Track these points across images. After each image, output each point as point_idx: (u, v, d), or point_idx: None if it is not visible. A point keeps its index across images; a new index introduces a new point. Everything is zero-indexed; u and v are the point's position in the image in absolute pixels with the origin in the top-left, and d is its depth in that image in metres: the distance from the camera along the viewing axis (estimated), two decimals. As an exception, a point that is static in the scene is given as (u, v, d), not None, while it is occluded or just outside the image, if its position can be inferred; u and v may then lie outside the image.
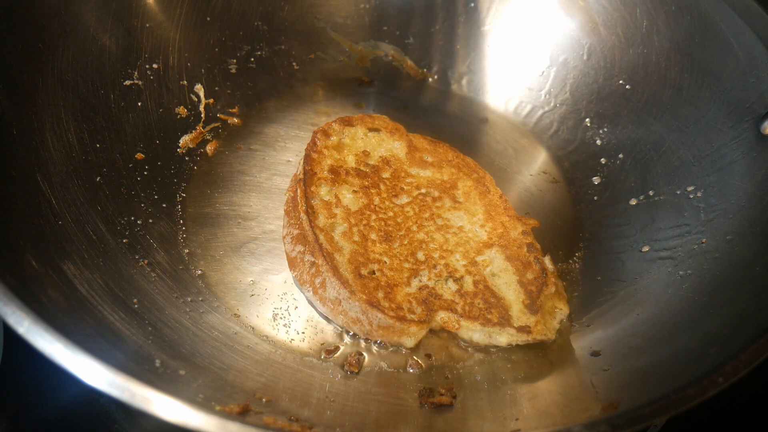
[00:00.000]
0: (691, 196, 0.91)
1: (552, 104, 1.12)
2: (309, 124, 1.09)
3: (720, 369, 0.61)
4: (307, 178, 0.93)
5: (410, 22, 1.18)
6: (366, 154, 0.99)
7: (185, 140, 1.01)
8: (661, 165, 0.97)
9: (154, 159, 0.97)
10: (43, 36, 0.87)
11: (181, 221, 0.93)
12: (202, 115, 1.05)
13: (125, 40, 0.98)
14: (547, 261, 0.90)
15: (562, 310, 0.86)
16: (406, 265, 0.87)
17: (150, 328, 0.75)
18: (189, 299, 0.84)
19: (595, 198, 1.02)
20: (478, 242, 0.91)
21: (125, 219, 0.88)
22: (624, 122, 1.04)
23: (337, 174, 0.95)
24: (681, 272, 0.85)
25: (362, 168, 0.97)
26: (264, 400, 0.71)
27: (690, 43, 0.99)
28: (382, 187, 0.95)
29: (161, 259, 0.87)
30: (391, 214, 0.93)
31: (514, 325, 0.82)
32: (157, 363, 0.68)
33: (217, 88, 1.08)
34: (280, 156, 1.04)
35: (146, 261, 0.85)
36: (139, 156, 0.95)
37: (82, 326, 0.67)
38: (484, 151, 1.08)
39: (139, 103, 0.99)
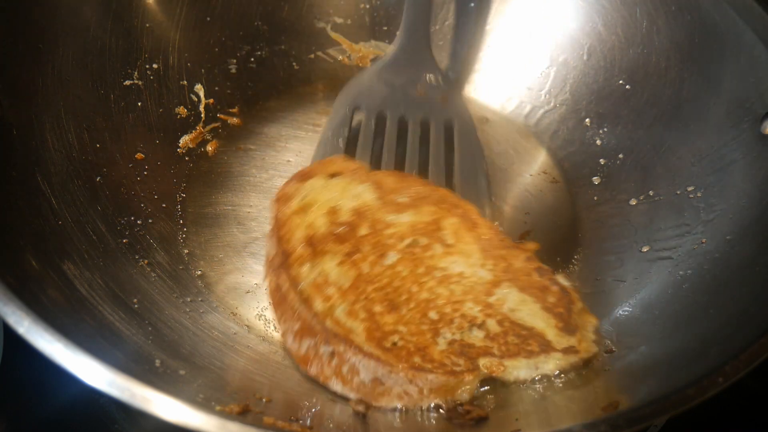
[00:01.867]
0: (691, 196, 0.91)
1: (552, 104, 1.12)
2: (309, 124, 1.09)
3: (720, 369, 0.61)
4: (287, 263, 0.83)
5: (410, 22, 1.18)
6: (334, 211, 0.89)
7: (185, 140, 1.01)
8: (661, 165, 0.97)
9: (154, 159, 0.97)
10: (43, 36, 0.87)
11: (181, 221, 0.93)
12: (202, 115, 1.05)
13: (125, 40, 0.98)
14: (561, 279, 0.85)
15: (591, 321, 0.81)
16: (424, 327, 0.78)
17: (150, 328, 0.75)
18: (189, 299, 0.84)
19: (595, 198, 1.02)
20: (485, 283, 0.83)
21: (125, 219, 0.88)
22: (624, 122, 1.04)
23: (313, 246, 0.84)
24: (681, 272, 0.85)
25: (336, 229, 0.86)
26: (264, 400, 0.71)
27: (690, 43, 0.99)
28: (365, 249, 0.85)
29: (161, 259, 0.87)
30: (386, 280, 0.83)
31: (558, 348, 0.76)
32: (157, 363, 0.68)
33: (217, 88, 1.08)
34: (280, 156, 1.04)
35: (146, 261, 0.85)
36: (139, 156, 0.95)
37: (82, 326, 0.67)
38: (484, 151, 1.08)
39: (139, 103, 0.99)
